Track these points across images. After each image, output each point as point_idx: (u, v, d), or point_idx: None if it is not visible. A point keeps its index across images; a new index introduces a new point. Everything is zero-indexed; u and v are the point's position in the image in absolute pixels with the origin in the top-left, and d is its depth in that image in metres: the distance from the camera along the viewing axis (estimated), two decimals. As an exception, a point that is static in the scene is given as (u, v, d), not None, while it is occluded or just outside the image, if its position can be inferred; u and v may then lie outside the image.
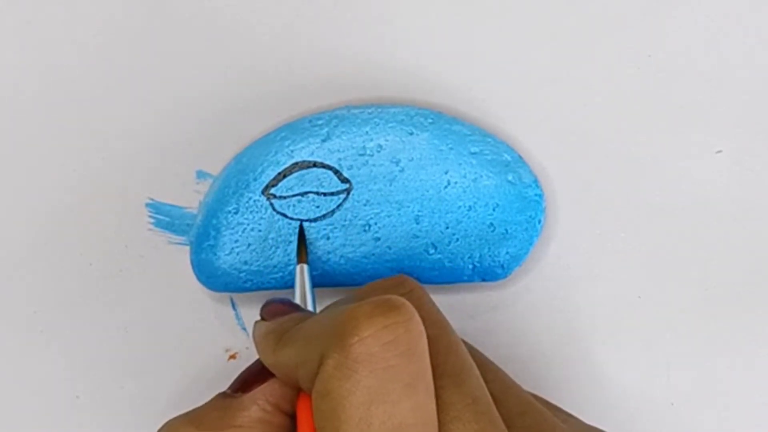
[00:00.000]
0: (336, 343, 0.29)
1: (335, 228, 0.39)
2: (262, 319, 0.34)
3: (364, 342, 0.29)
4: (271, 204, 0.39)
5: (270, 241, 0.39)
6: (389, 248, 0.39)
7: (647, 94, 0.41)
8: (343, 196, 0.39)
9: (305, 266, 0.38)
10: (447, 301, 0.40)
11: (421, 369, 0.30)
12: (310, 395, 0.30)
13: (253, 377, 0.33)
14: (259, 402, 0.33)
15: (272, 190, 0.39)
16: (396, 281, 0.34)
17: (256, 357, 0.40)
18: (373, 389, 0.29)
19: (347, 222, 0.39)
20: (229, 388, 0.34)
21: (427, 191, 0.39)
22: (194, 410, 0.33)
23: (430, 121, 0.39)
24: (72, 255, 0.40)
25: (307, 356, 0.30)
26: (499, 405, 0.32)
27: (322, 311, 0.33)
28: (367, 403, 0.29)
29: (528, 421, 0.33)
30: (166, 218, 0.40)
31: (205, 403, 0.34)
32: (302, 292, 0.37)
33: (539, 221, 0.39)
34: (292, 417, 0.33)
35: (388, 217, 0.39)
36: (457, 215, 0.39)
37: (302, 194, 0.39)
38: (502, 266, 0.39)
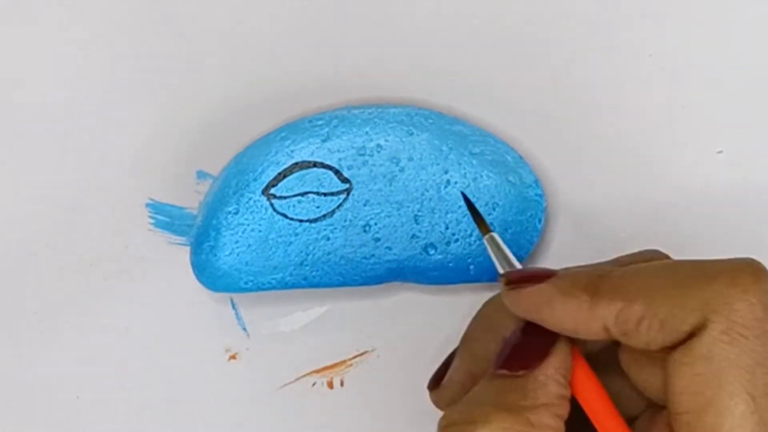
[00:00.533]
0: (722, 306, 0.29)
1: (335, 228, 0.39)
2: (518, 287, 0.33)
3: (753, 307, 0.29)
4: (271, 204, 0.39)
5: (270, 241, 0.39)
6: (389, 248, 0.39)
7: (647, 93, 0.41)
8: (343, 196, 0.39)
9: (495, 234, 0.36)
10: (447, 301, 0.40)
11: None
12: (646, 347, 0.30)
13: (527, 351, 0.32)
14: (554, 376, 0.31)
15: (272, 191, 0.39)
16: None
17: (258, 357, 0.40)
18: (757, 352, 0.29)
19: (347, 222, 0.39)
20: (502, 367, 0.32)
21: (427, 191, 0.39)
22: (481, 394, 0.32)
23: (431, 121, 0.39)
24: (72, 255, 0.40)
25: (664, 313, 0.30)
26: None
27: (648, 265, 0.32)
28: (753, 366, 0.29)
29: None
30: (166, 218, 0.40)
31: (490, 387, 0.32)
32: (508, 258, 0.35)
33: (539, 221, 0.39)
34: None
35: (388, 217, 0.39)
36: (457, 215, 0.39)
37: (302, 194, 0.39)
38: (502, 266, 0.39)
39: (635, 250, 0.41)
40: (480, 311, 0.37)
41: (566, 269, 0.34)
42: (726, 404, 0.29)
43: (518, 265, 0.35)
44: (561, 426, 0.31)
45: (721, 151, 0.41)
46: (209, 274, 0.39)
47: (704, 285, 0.30)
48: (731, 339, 0.29)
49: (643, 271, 0.32)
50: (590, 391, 0.32)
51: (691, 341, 0.30)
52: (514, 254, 0.39)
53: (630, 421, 0.33)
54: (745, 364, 0.29)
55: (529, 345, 0.32)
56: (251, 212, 0.39)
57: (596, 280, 0.31)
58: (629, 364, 0.33)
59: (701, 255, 0.40)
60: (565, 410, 0.31)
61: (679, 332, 0.30)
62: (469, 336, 0.36)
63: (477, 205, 0.39)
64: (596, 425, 0.32)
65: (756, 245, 0.41)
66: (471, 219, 0.39)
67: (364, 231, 0.39)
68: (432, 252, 0.39)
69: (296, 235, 0.39)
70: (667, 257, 0.35)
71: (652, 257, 0.35)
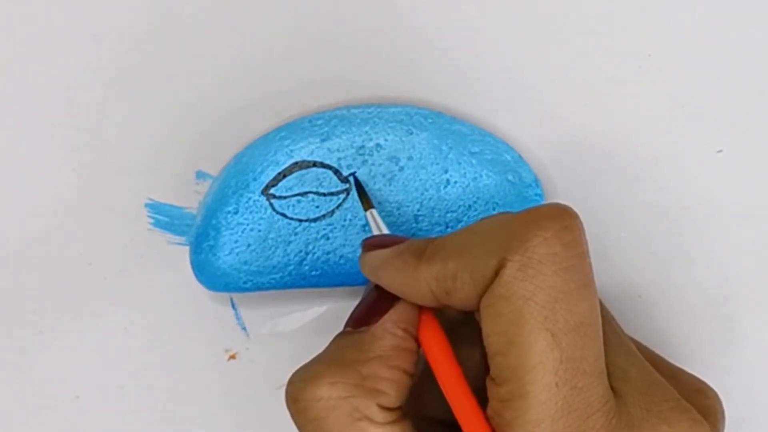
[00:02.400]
0: (518, 244, 0.29)
1: (335, 228, 0.39)
2: (368, 250, 0.35)
3: (547, 242, 0.29)
4: (271, 204, 0.39)
5: (270, 241, 0.39)
6: (389, 248, 0.39)
7: (647, 93, 0.41)
8: (342, 196, 0.39)
9: (374, 210, 0.37)
10: (447, 301, 0.40)
11: (591, 271, 0.30)
12: (467, 304, 0.31)
13: (372, 309, 0.33)
14: (391, 329, 0.33)
15: (272, 190, 0.39)
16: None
17: (258, 357, 0.40)
18: (556, 288, 0.29)
19: (347, 222, 0.39)
20: (347, 325, 0.34)
21: (427, 191, 0.39)
22: (324, 353, 0.33)
23: (430, 120, 0.39)
24: (71, 255, 0.40)
25: (471, 264, 0.30)
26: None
27: (466, 227, 0.33)
28: (552, 302, 0.29)
29: (645, 354, 0.34)
30: (165, 218, 0.40)
31: (332, 344, 0.33)
32: (382, 231, 0.37)
33: (539, 221, 0.39)
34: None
35: (388, 216, 0.39)
36: (457, 215, 0.39)
37: (302, 194, 0.39)
38: (502, 266, 0.39)
39: (635, 251, 0.41)
40: None
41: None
42: (526, 341, 0.29)
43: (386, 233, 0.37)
44: (400, 377, 0.32)
45: (720, 151, 0.41)
46: (209, 273, 0.39)
47: (505, 230, 0.30)
48: (527, 275, 0.29)
49: (460, 232, 0.32)
50: (434, 346, 0.33)
51: (492, 283, 0.30)
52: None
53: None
54: (543, 300, 0.29)
55: (374, 304, 0.33)
56: (251, 212, 0.39)
57: (424, 246, 0.32)
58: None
59: (701, 255, 0.41)
60: (403, 361, 0.32)
61: (485, 278, 0.30)
62: None
63: (477, 205, 0.39)
64: (437, 375, 0.32)
65: (756, 245, 0.41)
66: (471, 218, 0.39)
67: (364, 231, 0.39)
68: (432, 251, 0.39)
69: (296, 234, 0.39)
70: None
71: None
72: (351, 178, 0.39)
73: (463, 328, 0.35)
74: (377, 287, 0.34)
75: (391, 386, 0.32)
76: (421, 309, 0.33)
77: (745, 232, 0.41)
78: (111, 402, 0.41)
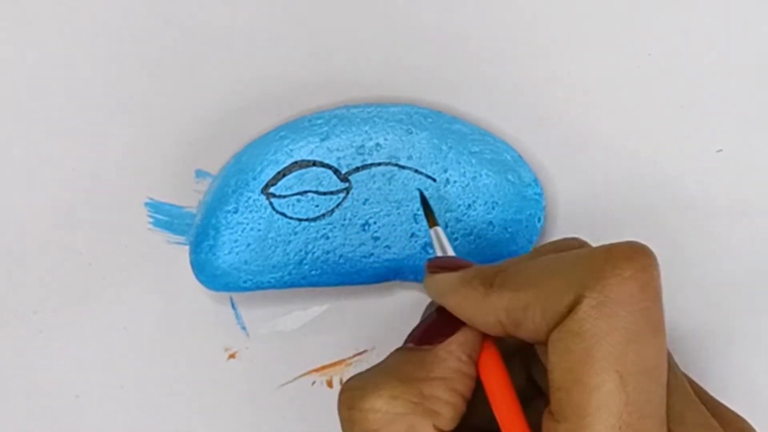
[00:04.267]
0: (595, 282, 0.29)
1: (334, 227, 0.39)
2: (433, 272, 0.34)
3: (625, 282, 0.29)
4: (271, 203, 0.39)
5: (269, 240, 0.39)
6: (388, 247, 0.39)
7: (647, 93, 0.41)
8: (342, 195, 0.39)
9: (438, 228, 0.37)
10: (446, 301, 0.40)
11: (663, 314, 0.30)
12: (535, 337, 0.30)
13: (437, 329, 0.33)
14: (455, 352, 0.32)
15: (271, 190, 0.39)
16: (575, 241, 0.34)
17: (257, 356, 0.40)
18: (629, 330, 0.29)
19: (346, 221, 0.39)
20: (410, 342, 0.33)
21: (426, 190, 0.39)
22: (384, 365, 0.33)
23: (430, 120, 0.39)
24: (71, 255, 0.41)
25: (545, 298, 0.30)
26: None
27: (525, 259, 0.33)
28: (624, 344, 0.29)
29: (703, 397, 0.33)
30: (165, 218, 0.40)
31: (392, 358, 0.33)
32: (445, 251, 0.36)
33: (539, 220, 0.39)
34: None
35: (387, 216, 0.39)
36: (457, 214, 0.39)
37: (301, 193, 0.39)
38: (502, 265, 0.39)
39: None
40: None
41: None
42: (593, 381, 0.29)
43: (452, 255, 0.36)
44: (457, 401, 0.32)
45: (720, 150, 0.41)
46: (208, 273, 0.39)
47: (582, 266, 0.30)
48: (601, 314, 0.29)
49: (533, 263, 0.32)
50: (493, 376, 0.32)
51: (566, 319, 0.29)
52: (514, 253, 0.39)
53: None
54: (615, 341, 0.29)
55: (439, 325, 0.33)
56: (250, 211, 0.39)
57: (494, 274, 0.32)
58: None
59: (701, 255, 0.41)
60: (463, 386, 0.32)
61: (557, 313, 0.30)
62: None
63: (476, 204, 0.39)
64: (492, 405, 0.32)
65: (756, 245, 0.41)
66: (470, 218, 0.39)
67: (363, 230, 0.39)
68: (431, 251, 0.39)
69: (295, 234, 0.39)
70: (587, 245, 0.35)
71: (568, 245, 0.34)
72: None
73: (514, 354, 0.35)
74: (441, 308, 0.34)
75: (449, 409, 0.32)
76: (483, 336, 0.33)
77: (745, 232, 0.41)
78: (111, 402, 0.41)
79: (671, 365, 0.32)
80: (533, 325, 0.30)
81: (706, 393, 0.34)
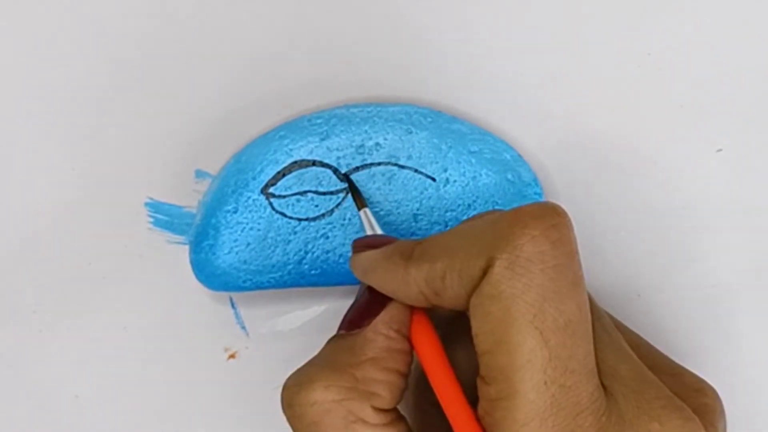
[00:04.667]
0: (505, 243, 0.29)
1: (334, 227, 0.39)
2: (358, 251, 0.35)
3: (535, 240, 0.29)
4: (270, 203, 0.39)
5: (269, 240, 0.39)
6: (388, 247, 0.39)
7: (647, 93, 0.41)
8: (342, 195, 0.39)
9: (367, 210, 0.37)
10: (446, 301, 0.40)
11: (580, 269, 0.30)
12: (457, 304, 0.30)
13: (364, 311, 0.33)
14: (383, 331, 0.33)
15: (271, 189, 0.39)
16: (498, 211, 0.34)
17: (257, 356, 0.40)
18: (544, 287, 0.29)
19: (346, 221, 0.39)
20: (340, 329, 0.34)
21: (426, 190, 0.39)
22: (317, 357, 0.33)
23: (429, 119, 0.39)
24: (71, 254, 0.40)
25: (459, 264, 0.30)
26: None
27: (453, 228, 0.33)
28: (540, 301, 0.29)
29: (645, 350, 0.34)
30: (165, 217, 0.40)
31: (325, 348, 0.34)
32: (375, 231, 0.37)
33: (538, 220, 0.39)
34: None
35: (387, 215, 0.39)
36: (456, 213, 0.39)
37: (301, 193, 0.39)
38: (501, 265, 0.39)
39: (635, 249, 0.41)
40: None
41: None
42: (515, 340, 0.29)
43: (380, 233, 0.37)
44: (393, 378, 0.32)
45: (720, 150, 0.41)
46: (208, 272, 0.39)
47: (492, 229, 0.30)
48: (515, 274, 0.29)
49: (447, 233, 0.32)
50: (426, 346, 0.33)
51: (481, 283, 0.30)
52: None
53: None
54: (531, 298, 0.29)
55: (367, 306, 0.34)
56: (250, 211, 0.39)
57: (412, 247, 0.32)
58: None
59: (701, 255, 0.41)
60: (396, 363, 0.32)
61: (473, 278, 0.30)
62: None
63: (476, 204, 0.39)
64: (428, 376, 0.32)
65: (756, 245, 0.41)
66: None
67: (363, 230, 0.39)
68: (431, 251, 0.39)
69: (295, 233, 0.39)
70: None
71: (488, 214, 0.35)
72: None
73: (456, 325, 0.35)
74: (369, 289, 0.34)
75: (385, 388, 0.32)
76: (413, 309, 0.33)
77: (745, 232, 0.41)
78: (111, 402, 0.41)
79: (602, 322, 0.32)
80: (453, 293, 0.31)
81: (663, 357, 0.34)
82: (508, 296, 0.29)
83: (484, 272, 0.30)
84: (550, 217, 0.30)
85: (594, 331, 0.31)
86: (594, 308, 0.32)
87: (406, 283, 0.32)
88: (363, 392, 0.32)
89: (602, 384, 0.30)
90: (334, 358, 0.33)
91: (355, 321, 0.33)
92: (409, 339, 0.33)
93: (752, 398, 0.41)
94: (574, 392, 0.29)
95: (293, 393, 0.32)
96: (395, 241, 0.34)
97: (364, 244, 0.35)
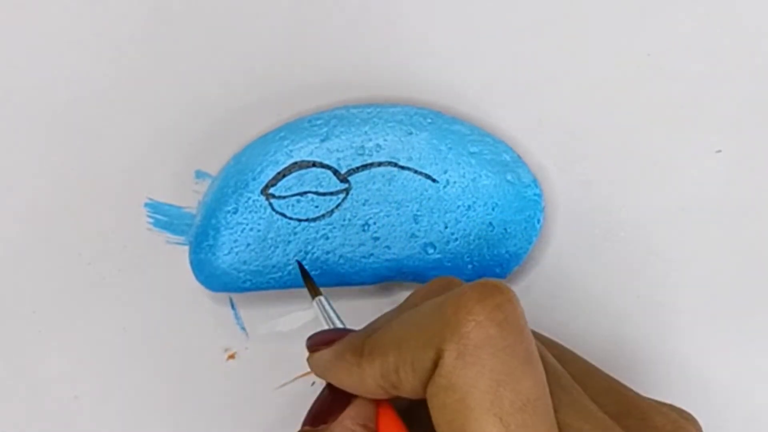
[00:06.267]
0: (451, 332, 0.29)
1: (334, 227, 0.39)
2: (312, 351, 0.34)
3: (481, 325, 0.29)
4: (270, 204, 0.39)
5: (269, 240, 0.39)
6: (388, 248, 0.39)
7: (647, 93, 0.41)
8: (342, 195, 0.39)
9: (322, 297, 0.37)
10: (446, 301, 0.40)
11: (532, 344, 0.30)
12: (416, 394, 0.30)
13: (329, 406, 0.33)
14: (350, 426, 0.32)
15: (271, 190, 0.39)
16: (445, 282, 0.34)
17: (257, 356, 0.40)
18: (497, 371, 0.28)
19: (346, 222, 0.39)
20: (305, 423, 0.33)
21: (426, 191, 0.39)
22: None
23: (429, 120, 0.39)
24: (71, 255, 0.40)
25: (410, 356, 0.30)
26: (583, 385, 0.32)
27: (393, 316, 0.33)
28: (495, 386, 0.28)
29: (615, 396, 0.33)
30: (164, 218, 0.40)
31: None
32: (331, 319, 0.37)
33: (538, 221, 0.39)
34: None
35: (387, 216, 0.39)
36: (456, 215, 0.39)
37: (301, 194, 0.39)
38: (501, 266, 0.39)
39: (634, 249, 0.41)
40: None
41: (355, 331, 0.34)
42: (474, 430, 0.28)
43: (339, 325, 0.36)
44: None
45: (720, 151, 0.41)
46: (208, 273, 0.39)
47: (437, 318, 0.29)
48: (465, 363, 0.28)
49: (394, 323, 0.32)
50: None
51: (434, 374, 0.29)
52: (513, 253, 0.39)
53: None
54: (486, 385, 0.28)
55: (331, 401, 0.33)
56: (250, 212, 0.39)
57: (362, 342, 0.32)
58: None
59: (701, 255, 0.41)
60: None
61: (425, 369, 0.29)
62: None
63: (476, 204, 0.39)
64: None
65: (756, 245, 0.41)
66: (470, 218, 0.39)
67: (363, 230, 0.39)
68: (431, 251, 0.39)
69: (295, 234, 0.39)
70: (455, 285, 0.34)
71: (438, 289, 0.34)
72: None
73: (421, 406, 0.35)
74: (330, 385, 0.34)
75: None
76: (378, 402, 0.33)
77: (744, 232, 0.41)
78: (110, 402, 0.41)
79: (562, 383, 0.32)
80: (409, 385, 0.30)
81: (635, 396, 0.34)
82: (462, 386, 0.29)
83: (436, 363, 0.29)
84: (493, 297, 0.29)
85: (552, 394, 0.30)
86: (550, 369, 0.31)
87: (362, 379, 0.32)
88: None
89: None
90: None
91: (319, 417, 0.33)
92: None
93: (754, 399, 0.41)
94: None
95: None
96: (346, 335, 0.34)
97: (317, 341, 0.35)
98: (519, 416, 0.29)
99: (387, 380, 0.31)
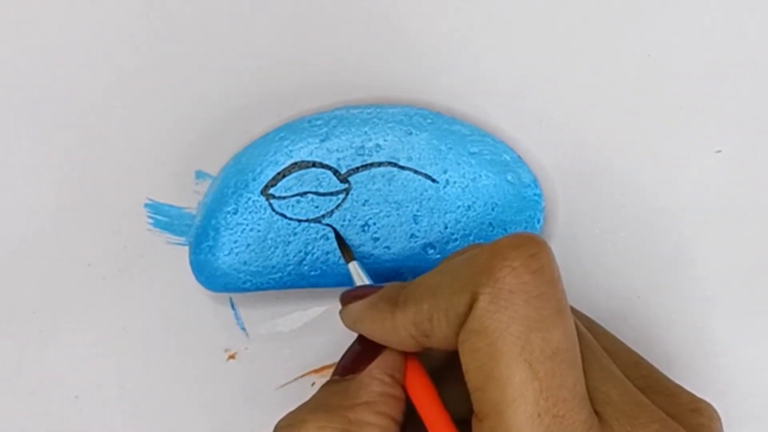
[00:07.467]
0: (486, 278, 0.29)
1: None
2: (346, 304, 0.35)
3: (516, 271, 0.29)
4: (270, 204, 0.39)
5: (269, 241, 0.39)
6: (388, 248, 0.39)
7: (647, 93, 0.41)
8: (342, 196, 0.39)
9: (355, 263, 0.38)
10: (446, 301, 0.40)
11: (564, 297, 0.30)
12: (447, 343, 0.31)
13: (358, 357, 0.34)
14: (378, 376, 0.33)
15: (271, 191, 0.39)
16: (478, 245, 0.34)
17: (257, 356, 0.40)
18: (530, 318, 0.29)
19: (346, 222, 0.39)
20: (335, 374, 0.34)
21: (426, 191, 0.39)
22: (311, 400, 0.33)
23: (429, 121, 0.39)
24: (71, 255, 0.41)
25: (444, 303, 0.30)
26: (613, 358, 0.33)
27: (434, 268, 0.33)
28: (527, 332, 0.29)
29: (642, 371, 0.34)
30: (165, 218, 0.40)
31: (318, 392, 0.34)
32: (365, 282, 0.37)
33: (538, 221, 0.39)
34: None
35: (387, 217, 0.39)
36: (456, 215, 0.39)
37: (301, 194, 0.39)
38: (501, 266, 0.39)
39: (634, 250, 0.41)
40: None
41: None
42: (504, 374, 0.29)
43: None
44: (386, 423, 0.32)
45: (720, 151, 0.41)
46: (208, 273, 0.39)
47: (473, 265, 0.30)
48: (498, 307, 0.29)
49: (430, 274, 0.32)
50: (420, 392, 0.33)
51: (466, 320, 0.30)
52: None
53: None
54: (517, 331, 0.29)
55: (360, 353, 0.34)
56: (250, 212, 0.39)
57: (397, 292, 0.33)
58: None
59: (701, 255, 0.41)
60: (391, 408, 0.33)
61: (459, 315, 0.30)
62: None
63: (476, 204, 0.39)
64: (424, 421, 0.33)
65: (756, 245, 0.41)
66: (470, 219, 0.39)
67: (363, 230, 0.39)
68: (431, 251, 0.39)
69: (295, 234, 0.39)
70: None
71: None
72: (331, 231, 0.39)
73: (448, 366, 0.35)
74: (361, 337, 0.34)
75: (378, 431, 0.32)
76: (406, 356, 0.34)
77: (744, 233, 0.41)
78: (110, 402, 0.41)
79: (591, 348, 0.32)
80: (441, 333, 0.31)
81: (661, 376, 0.34)
82: (494, 330, 0.29)
83: (470, 308, 0.30)
84: (529, 247, 0.30)
85: (583, 358, 0.31)
86: (581, 335, 0.32)
87: (394, 328, 0.32)
88: None
89: (595, 411, 0.30)
90: (327, 401, 0.33)
91: (349, 367, 0.34)
92: (403, 387, 0.33)
93: (753, 399, 0.41)
94: (568, 421, 0.29)
95: None
96: (381, 289, 0.34)
97: (351, 296, 0.35)
98: (548, 364, 0.29)
99: (419, 329, 0.31)
